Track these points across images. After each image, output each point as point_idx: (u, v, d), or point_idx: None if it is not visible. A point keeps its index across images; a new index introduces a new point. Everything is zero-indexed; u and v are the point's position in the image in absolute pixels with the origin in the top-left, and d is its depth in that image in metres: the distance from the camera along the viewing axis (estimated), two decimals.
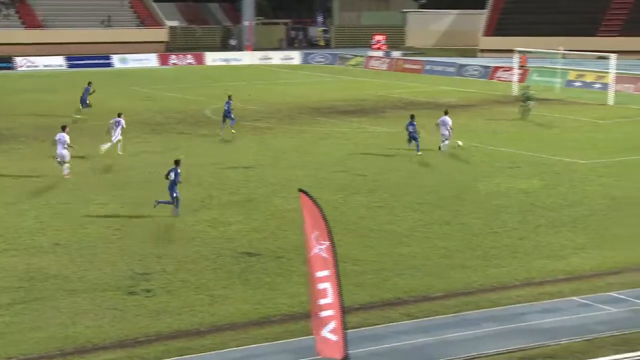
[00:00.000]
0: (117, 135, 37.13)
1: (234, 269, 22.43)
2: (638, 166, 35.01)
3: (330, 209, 27.97)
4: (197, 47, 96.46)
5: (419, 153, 37.18)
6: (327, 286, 13.67)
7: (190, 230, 26.04)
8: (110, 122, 37.80)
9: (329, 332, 13.69)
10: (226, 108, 42.17)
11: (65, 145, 32.89)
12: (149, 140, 41.50)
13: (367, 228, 26.22)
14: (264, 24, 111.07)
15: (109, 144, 36.92)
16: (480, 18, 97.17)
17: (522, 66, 68.52)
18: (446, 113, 38.79)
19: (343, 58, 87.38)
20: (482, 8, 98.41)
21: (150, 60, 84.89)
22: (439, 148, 37.89)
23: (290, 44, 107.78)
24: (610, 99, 54.65)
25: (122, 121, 37.40)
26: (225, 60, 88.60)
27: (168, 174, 27.55)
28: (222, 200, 29.70)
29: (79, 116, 46.21)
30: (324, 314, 13.64)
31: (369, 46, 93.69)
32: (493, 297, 20.27)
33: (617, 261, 22.88)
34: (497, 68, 72.13)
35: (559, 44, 69.09)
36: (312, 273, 13.75)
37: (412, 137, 37.73)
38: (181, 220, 27.00)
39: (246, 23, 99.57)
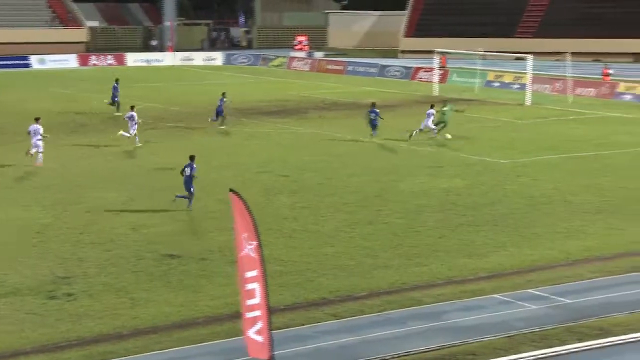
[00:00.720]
0: (134, 128, 39.36)
1: (156, 272, 22.22)
2: (555, 165, 35.75)
3: (255, 210, 27.85)
4: (118, 48, 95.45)
5: (374, 138, 40.86)
6: (255, 286, 13.70)
7: (111, 233, 25.72)
8: (125, 117, 40.27)
9: (255, 333, 13.69)
10: (219, 104, 45.11)
11: (39, 136, 34.65)
12: (71, 141, 40.86)
13: (291, 229, 26.25)
14: (185, 24, 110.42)
15: (128, 135, 39.34)
16: (400, 19, 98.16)
17: (442, 67, 69.43)
18: (432, 106, 42.49)
19: (266, 59, 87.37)
20: (403, 9, 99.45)
21: (69, 61, 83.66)
22: (410, 136, 40.87)
23: (213, 45, 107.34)
24: (528, 99, 55.70)
25: (135, 114, 39.45)
26: (147, 61, 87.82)
27: (183, 169, 28.32)
28: (145, 203, 29.41)
29: (119, 113, 47.72)
30: (252, 314, 13.65)
31: (291, 47, 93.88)
32: (416, 296, 20.46)
33: (536, 259, 23.32)
34: (418, 69, 72.92)
35: (478, 45, 70.17)
36: (241, 273, 13.76)
37: (373, 124, 41.31)
38: (103, 223, 26.66)
39: (167, 23, 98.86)
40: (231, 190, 14.09)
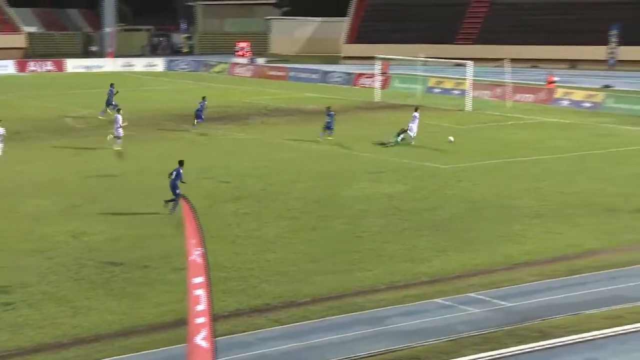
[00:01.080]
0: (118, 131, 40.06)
1: (98, 280, 21.99)
2: (494, 170, 36.18)
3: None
4: (57, 54, 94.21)
5: (328, 138, 42.73)
6: (201, 293, 13.71)
7: (52, 240, 25.38)
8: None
9: (202, 340, 13.69)
10: (199, 107, 47.14)
11: None
12: (8, 149, 40.20)
13: (234, 235, 26.17)
14: (125, 30, 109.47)
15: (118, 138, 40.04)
16: (342, 26, 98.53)
17: (383, 73, 69.83)
18: (416, 109, 43.72)
19: (207, 65, 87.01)
20: (344, 16, 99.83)
21: (7, 67, 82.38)
22: (395, 142, 41.82)
23: (154, 51, 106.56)
24: (468, 105, 56.29)
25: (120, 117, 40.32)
26: (87, 67, 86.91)
27: (171, 173, 28.39)
28: (85, 210, 29.09)
29: (102, 117, 49.55)
30: (198, 320, 13.65)
31: (233, 53, 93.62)
32: (359, 301, 20.54)
33: (477, 263, 23.57)
34: (360, 75, 73.25)
35: (419, 51, 70.72)
36: (189, 279, 13.77)
37: (328, 127, 43.07)
38: (43, 231, 26.30)
39: (107, 29, 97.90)
40: (182, 197, 14.28)
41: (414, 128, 42.65)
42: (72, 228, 26.68)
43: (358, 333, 18.62)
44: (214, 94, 65.47)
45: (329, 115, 43.62)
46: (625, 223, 27.67)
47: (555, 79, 64.55)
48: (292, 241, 25.60)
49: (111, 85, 52.68)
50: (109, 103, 51.01)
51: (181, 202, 14.16)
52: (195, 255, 13.74)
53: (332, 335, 18.40)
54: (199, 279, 13.69)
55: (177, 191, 28.10)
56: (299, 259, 23.84)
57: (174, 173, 28.54)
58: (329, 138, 42.80)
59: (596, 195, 31.57)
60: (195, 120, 47.05)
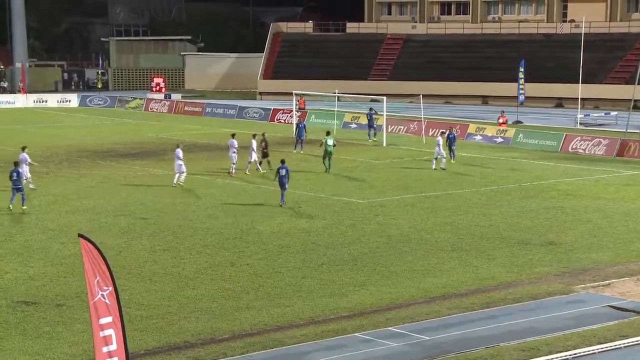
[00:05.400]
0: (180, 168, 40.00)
1: (11, 319, 21.48)
2: (411, 205, 36.60)
3: (113, 254, 27.44)
4: None
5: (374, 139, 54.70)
6: (111, 332, 13.42)
7: None
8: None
9: None
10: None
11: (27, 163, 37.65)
12: None
13: (152, 272, 25.89)
14: (37, 65, 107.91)
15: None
16: (258, 61, 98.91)
17: (300, 108, 70.23)
18: (442, 133, 48.01)
19: (122, 100, 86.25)
20: (260, 52, 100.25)
21: None
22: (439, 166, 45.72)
23: (67, 86, 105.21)
24: (384, 140, 56.96)
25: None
26: None
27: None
28: None
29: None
30: None
31: (148, 88, 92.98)
32: (278, 337, 20.50)
33: (394, 297, 23.76)
34: (276, 110, 73.51)
35: (334, 87, 71.38)
36: (94, 320, 13.41)
37: (370, 126, 56.00)
38: None
39: (18, 64, 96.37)
40: (80, 235, 13.69)
41: (442, 151, 45.85)
42: None
43: None
44: (129, 130, 65.00)
45: (369, 115, 52.54)
46: (537, 256, 28.27)
47: (507, 118, 63.50)
48: (211, 277, 25.44)
49: None
50: None
51: (80, 240, 13.60)
52: (101, 294, 13.40)
53: None
54: (107, 319, 13.35)
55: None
56: (219, 295, 23.70)
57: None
58: (374, 139, 53.67)
59: (510, 228, 32.20)
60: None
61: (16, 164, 35.68)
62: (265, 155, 45.09)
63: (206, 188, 40.11)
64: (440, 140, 46.25)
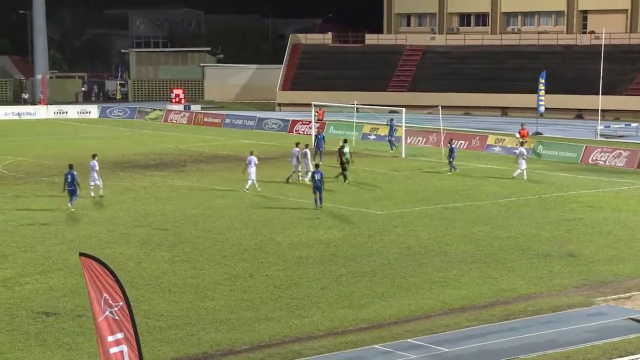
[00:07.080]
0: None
1: (31, 330, 21.57)
2: (430, 216, 36.52)
3: (132, 265, 27.55)
4: None
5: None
6: (122, 349, 13.17)
7: None
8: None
9: None
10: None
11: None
12: None
13: (171, 282, 25.94)
14: (58, 77, 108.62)
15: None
16: (277, 72, 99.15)
17: (319, 120, 70.30)
18: (522, 144, 50.12)
19: (142, 111, 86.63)
20: (279, 63, 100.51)
21: None
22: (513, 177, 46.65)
23: (87, 98, 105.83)
24: (403, 152, 56.90)
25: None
26: (18, 114, 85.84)
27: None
28: (17, 259, 28.58)
29: None
30: None
31: (167, 100, 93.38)
32: (297, 348, 20.47)
33: (414, 308, 23.69)
34: (295, 121, 73.61)
35: (353, 98, 71.43)
36: (102, 338, 13.17)
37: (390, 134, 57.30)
38: None
39: (39, 76, 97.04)
40: (81, 253, 13.47)
41: (523, 164, 46.70)
42: (4, 278, 26.18)
43: None
44: (149, 141, 65.26)
45: (390, 125, 54.95)
46: (557, 268, 28.14)
47: (529, 132, 62.40)
48: (230, 288, 25.46)
49: None
50: None
51: (82, 259, 13.33)
52: (110, 311, 13.19)
53: None
54: (117, 336, 13.10)
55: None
56: (237, 306, 23.71)
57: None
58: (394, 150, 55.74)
59: (529, 240, 32.06)
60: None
61: (71, 166, 37.44)
62: (343, 167, 45.25)
63: (225, 199, 40.18)
64: (524, 151, 47.89)
